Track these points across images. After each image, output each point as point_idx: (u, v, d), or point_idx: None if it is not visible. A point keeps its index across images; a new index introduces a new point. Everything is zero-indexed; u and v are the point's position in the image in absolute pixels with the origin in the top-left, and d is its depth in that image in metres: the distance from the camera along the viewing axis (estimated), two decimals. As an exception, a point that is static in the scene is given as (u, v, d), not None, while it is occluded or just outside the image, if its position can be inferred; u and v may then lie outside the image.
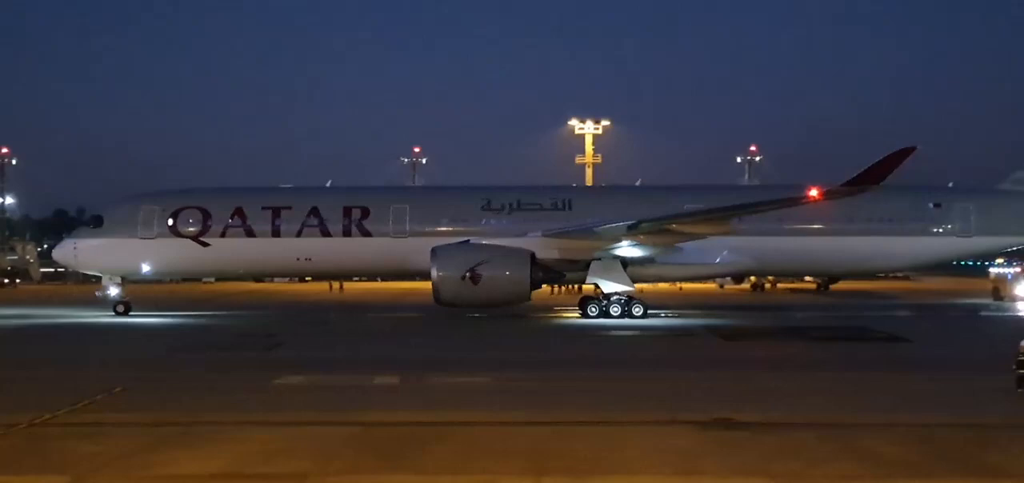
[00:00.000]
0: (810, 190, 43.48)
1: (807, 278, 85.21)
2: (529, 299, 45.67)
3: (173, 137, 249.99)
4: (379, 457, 16.07)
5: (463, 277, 43.43)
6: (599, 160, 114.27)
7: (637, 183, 55.89)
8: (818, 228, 48.22)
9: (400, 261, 47.56)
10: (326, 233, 47.60)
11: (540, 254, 45.30)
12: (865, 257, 50.22)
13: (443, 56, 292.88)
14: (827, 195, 43.77)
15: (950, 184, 52.30)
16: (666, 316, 47.07)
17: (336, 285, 74.38)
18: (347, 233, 47.62)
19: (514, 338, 38.38)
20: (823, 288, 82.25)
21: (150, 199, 48.70)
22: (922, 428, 18.24)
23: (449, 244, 45.30)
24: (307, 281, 75.80)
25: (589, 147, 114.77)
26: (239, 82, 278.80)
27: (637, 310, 45.22)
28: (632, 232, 44.55)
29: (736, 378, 25.72)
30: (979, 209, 49.35)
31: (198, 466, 15.45)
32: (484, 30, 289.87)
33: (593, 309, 45.50)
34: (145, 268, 47.75)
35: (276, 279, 74.84)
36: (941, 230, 49.00)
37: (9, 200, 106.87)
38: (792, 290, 79.61)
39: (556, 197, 49.21)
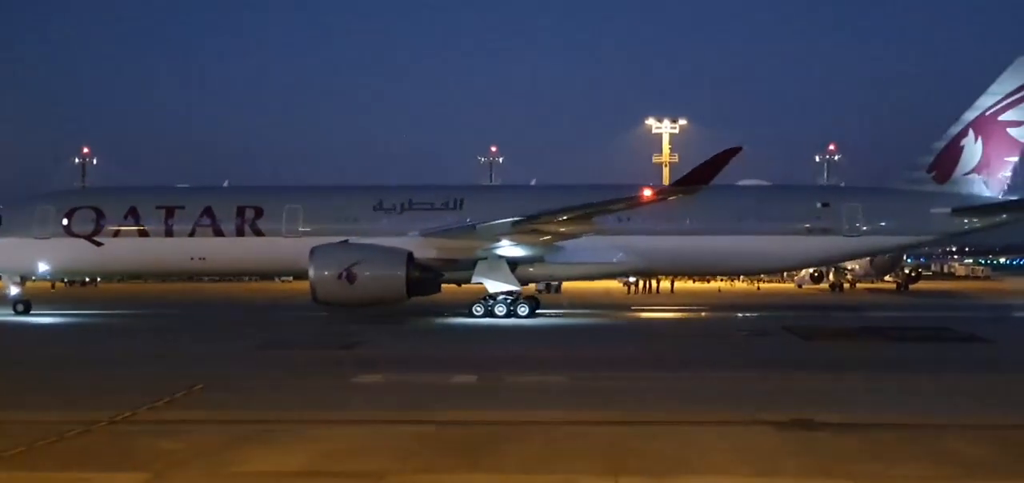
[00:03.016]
0: (644, 190, 43.95)
1: (887, 278, 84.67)
2: (407, 298, 45.16)
3: (254, 133, 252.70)
4: (457, 456, 16.07)
5: (339, 276, 43.63)
6: (676, 159, 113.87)
7: (532, 182, 55.86)
8: (706, 228, 48.03)
9: (292, 260, 47.26)
10: (219, 233, 47.81)
11: (418, 254, 45.44)
12: (753, 256, 49.79)
13: (522, 56, 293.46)
14: (659, 194, 43.98)
15: (842, 183, 52.29)
16: (557, 315, 47.78)
17: None
18: (240, 233, 47.81)
19: (588, 337, 38.36)
20: (902, 288, 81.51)
21: (46, 199, 49.52)
22: (1004, 429, 18.03)
23: (327, 244, 45.27)
24: None
25: (666, 146, 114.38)
26: (313, 83, 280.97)
27: (522, 310, 45.41)
28: (511, 231, 44.84)
29: (814, 378, 25.54)
30: (867, 208, 48.97)
31: (277, 464, 15.56)
32: (562, 29, 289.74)
33: (478, 308, 45.52)
34: (41, 268, 48.46)
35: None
36: (829, 229, 48.49)
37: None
38: (870, 290, 78.85)
39: (448, 196, 48.89)
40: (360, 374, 26.15)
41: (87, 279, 71.62)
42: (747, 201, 49.52)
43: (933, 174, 49.54)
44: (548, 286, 68.29)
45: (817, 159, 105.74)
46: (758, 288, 79.11)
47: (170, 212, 48.06)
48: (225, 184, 52.66)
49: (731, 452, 16.14)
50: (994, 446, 16.52)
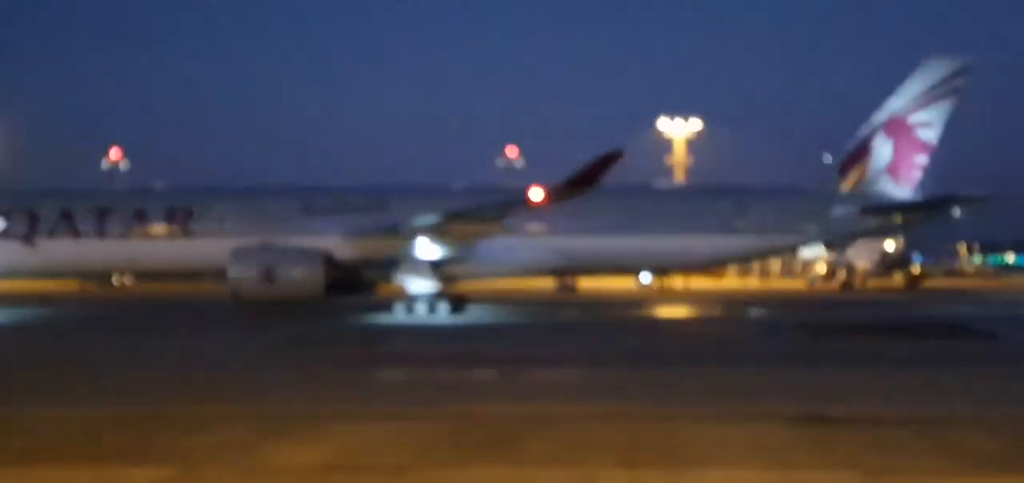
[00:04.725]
0: (530, 191, 43.92)
1: (896, 275, 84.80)
2: (325, 297, 46.05)
3: (266, 131, 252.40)
4: (477, 450, 16.32)
5: (259, 277, 44.51)
6: (690, 161, 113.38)
7: (457, 186, 56.25)
8: (623, 228, 49.30)
9: (223, 261, 46.57)
10: (150, 234, 48.44)
11: (339, 254, 46.40)
12: (668, 255, 51.21)
13: (535, 55, 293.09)
14: (549, 195, 43.93)
15: (755, 184, 53.36)
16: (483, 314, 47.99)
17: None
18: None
19: (607, 333, 38.84)
20: (911, 286, 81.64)
21: None
22: (1014, 423, 18.29)
23: (247, 246, 45.89)
24: None
25: (680, 147, 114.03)
26: (330, 80, 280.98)
27: (443, 309, 45.96)
28: (428, 231, 45.58)
29: (825, 373, 25.79)
30: (777, 208, 50.34)
31: (301, 458, 15.80)
32: (574, 28, 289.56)
33: (400, 308, 46.18)
34: None
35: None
36: (741, 229, 49.57)
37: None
38: (880, 288, 78.94)
39: (374, 197, 49.68)
40: (382, 370, 26.50)
41: (114, 280, 71.67)
42: (661, 202, 52.12)
43: (844, 175, 50.49)
44: (564, 286, 68.63)
45: (830, 159, 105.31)
46: (770, 287, 79.27)
47: (102, 214, 48.47)
48: (157, 185, 53.25)
49: (745, 446, 16.35)
50: (1005, 440, 16.78)
